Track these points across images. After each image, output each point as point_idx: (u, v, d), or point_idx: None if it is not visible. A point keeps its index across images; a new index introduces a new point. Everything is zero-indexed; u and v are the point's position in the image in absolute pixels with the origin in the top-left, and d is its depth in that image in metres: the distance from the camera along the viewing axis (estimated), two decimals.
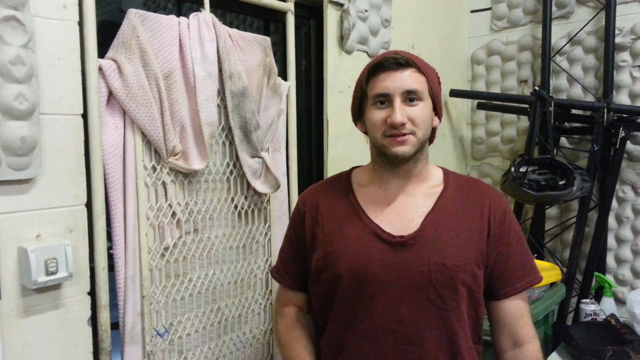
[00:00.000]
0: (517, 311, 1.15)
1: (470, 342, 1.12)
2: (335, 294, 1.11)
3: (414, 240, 1.08)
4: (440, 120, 1.17)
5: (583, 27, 2.34)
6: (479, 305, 1.14)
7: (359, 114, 1.17)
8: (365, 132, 1.18)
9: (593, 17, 2.32)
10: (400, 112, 1.05)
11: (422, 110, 1.08)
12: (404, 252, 1.07)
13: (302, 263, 1.23)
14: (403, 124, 1.06)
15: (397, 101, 1.06)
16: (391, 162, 1.12)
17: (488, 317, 1.19)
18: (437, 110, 1.14)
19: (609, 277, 2.28)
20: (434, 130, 1.17)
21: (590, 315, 2.08)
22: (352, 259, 1.09)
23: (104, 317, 1.29)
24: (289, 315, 1.26)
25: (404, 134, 1.06)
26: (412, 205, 1.13)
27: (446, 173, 1.20)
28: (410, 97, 1.07)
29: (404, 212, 1.12)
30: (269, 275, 1.72)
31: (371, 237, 1.10)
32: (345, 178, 1.23)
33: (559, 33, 2.41)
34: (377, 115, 1.09)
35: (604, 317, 2.05)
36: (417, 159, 1.13)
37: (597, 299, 2.20)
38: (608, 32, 2.22)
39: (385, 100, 1.08)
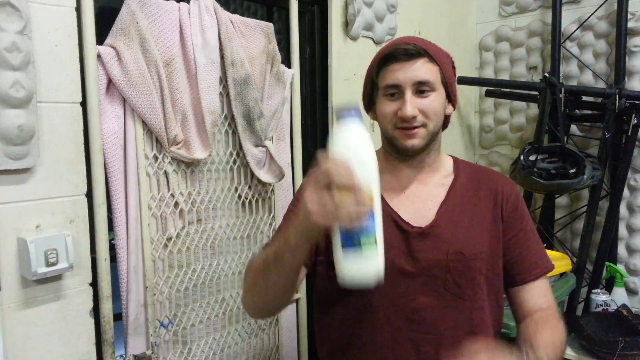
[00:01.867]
0: (536, 293, 1.14)
1: (490, 331, 1.10)
2: (356, 290, 1.07)
3: (431, 230, 1.07)
4: (454, 108, 1.15)
5: (594, 12, 2.28)
6: (499, 294, 1.13)
7: (370, 103, 1.14)
8: (376, 120, 1.15)
9: (604, 2, 2.26)
10: (411, 105, 1.03)
11: (433, 101, 1.06)
12: (422, 241, 1.06)
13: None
14: (414, 117, 1.03)
15: (408, 93, 1.03)
16: (402, 153, 1.11)
17: (508, 301, 1.18)
18: (450, 97, 1.12)
19: (620, 267, 2.24)
20: (447, 117, 1.15)
21: (601, 305, 2.04)
22: None
23: (107, 308, 1.28)
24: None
25: (415, 127, 1.04)
26: (426, 195, 1.12)
27: (456, 162, 1.19)
28: (421, 88, 1.04)
29: (418, 201, 1.11)
30: None
31: (390, 225, 1.08)
32: None
33: (569, 18, 2.35)
34: (387, 107, 1.07)
35: (615, 307, 2.01)
36: (429, 150, 1.11)
37: (608, 289, 2.16)
38: (620, 16, 2.16)
39: (395, 92, 1.05)
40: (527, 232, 1.14)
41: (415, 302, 1.05)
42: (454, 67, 1.14)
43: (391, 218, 1.09)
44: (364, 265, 0.82)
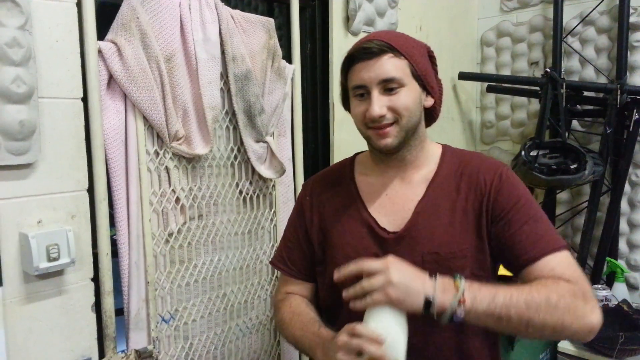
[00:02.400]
0: (549, 268, 1.00)
1: (478, 329, 1.06)
2: (340, 289, 1.07)
3: (407, 232, 1.06)
4: (435, 99, 1.10)
5: (596, 7, 2.28)
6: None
7: (346, 103, 1.13)
8: None
9: None
10: (378, 104, 1.01)
11: (404, 97, 1.02)
12: (398, 245, 1.06)
13: (309, 252, 1.20)
14: (382, 116, 1.01)
15: (375, 92, 1.01)
16: (381, 153, 1.09)
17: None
18: (428, 89, 1.07)
19: (621, 263, 2.24)
20: (431, 109, 1.10)
21: (602, 300, 2.04)
22: (349, 253, 1.07)
23: (108, 303, 1.28)
24: (294, 299, 1.20)
25: (386, 126, 1.02)
26: (408, 194, 1.10)
27: (444, 153, 1.13)
28: (388, 86, 1.01)
29: (400, 201, 1.09)
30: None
31: (367, 232, 1.09)
32: (348, 166, 1.21)
33: (570, 13, 2.35)
34: (357, 108, 1.05)
35: (616, 302, 2.01)
36: (409, 146, 1.08)
37: (609, 284, 2.16)
38: (622, 11, 2.15)
39: (363, 92, 1.04)
40: (519, 212, 1.04)
41: None
42: (431, 57, 1.10)
43: (368, 225, 1.09)
44: None
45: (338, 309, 1.11)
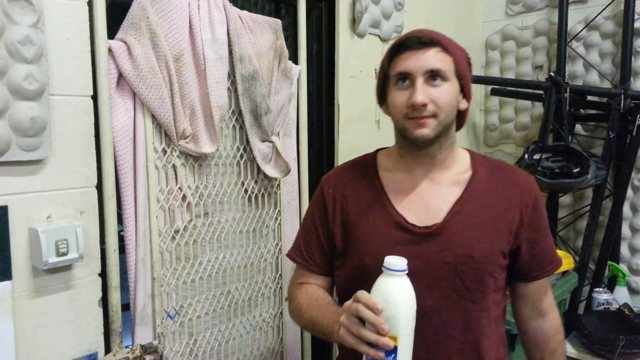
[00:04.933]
0: (541, 289, 1.18)
1: (498, 331, 1.12)
2: (360, 282, 1.07)
3: (441, 231, 1.05)
4: (469, 103, 1.10)
5: (601, 12, 2.29)
6: (504, 294, 1.13)
7: (382, 96, 1.12)
8: (388, 114, 1.13)
9: (611, 2, 2.26)
10: (422, 93, 1.00)
11: (446, 91, 1.02)
12: (430, 243, 1.04)
13: (327, 246, 1.18)
14: (424, 105, 1.00)
15: (420, 81, 1.00)
16: (413, 146, 1.08)
17: (511, 294, 1.20)
18: (465, 92, 1.08)
19: (623, 267, 2.25)
20: (462, 113, 1.11)
21: (603, 304, 2.06)
22: (376, 248, 1.06)
23: (115, 298, 1.30)
24: (311, 287, 1.19)
25: (425, 117, 1.01)
26: (439, 194, 1.09)
27: (473, 157, 1.15)
28: (433, 77, 1.01)
29: (430, 201, 1.08)
30: (279, 259, 1.72)
31: (395, 227, 1.07)
32: (371, 161, 1.18)
33: (575, 18, 2.36)
34: (398, 96, 1.04)
35: (617, 306, 2.02)
36: (441, 144, 1.07)
37: (610, 288, 2.17)
38: (627, 16, 2.16)
39: (407, 79, 1.03)
40: (543, 232, 1.13)
41: (423, 304, 1.01)
42: (469, 63, 1.11)
43: (395, 221, 1.07)
44: None
45: None
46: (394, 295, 0.88)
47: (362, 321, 0.90)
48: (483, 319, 1.07)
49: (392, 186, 1.12)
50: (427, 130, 1.02)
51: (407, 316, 0.88)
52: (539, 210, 1.12)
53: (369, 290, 0.92)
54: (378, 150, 1.22)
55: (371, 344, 0.88)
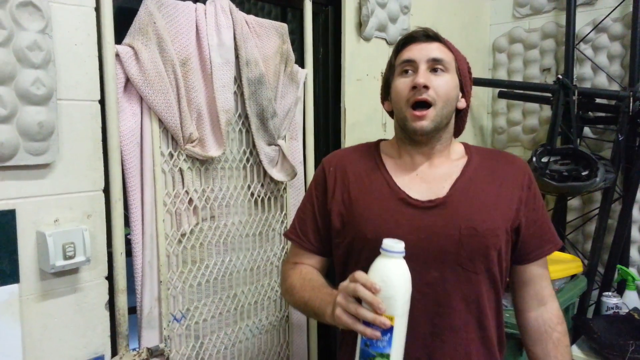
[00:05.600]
0: (542, 273, 1.19)
1: (496, 304, 1.14)
2: (361, 257, 1.10)
3: (444, 204, 1.08)
4: (468, 104, 1.17)
5: (609, 14, 2.28)
6: (505, 271, 1.15)
7: (386, 91, 1.18)
8: (391, 112, 1.18)
9: (620, 4, 2.25)
10: (424, 76, 1.07)
11: (446, 81, 1.09)
12: (434, 215, 1.07)
13: (322, 225, 1.20)
14: (426, 87, 1.06)
15: (422, 67, 1.08)
16: (413, 139, 1.13)
17: (511, 280, 1.21)
18: (464, 91, 1.15)
19: (632, 270, 2.23)
20: (462, 116, 1.17)
21: (612, 308, 2.04)
22: (379, 223, 1.08)
23: (122, 301, 1.30)
24: (305, 267, 1.21)
25: (425, 104, 1.07)
26: (439, 175, 1.13)
27: (467, 146, 1.21)
28: (435, 66, 1.09)
29: (432, 181, 1.13)
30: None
31: (398, 203, 1.10)
32: (373, 147, 1.23)
33: (583, 20, 2.35)
34: (402, 82, 1.10)
35: (627, 310, 2.00)
36: (440, 137, 1.13)
37: (620, 292, 2.15)
38: (636, 18, 2.15)
39: (411, 68, 1.10)
40: (539, 211, 1.16)
41: (428, 276, 1.06)
42: (469, 68, 1.18)
43: (398, 197, 1.10)
44: None
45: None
46: (392, 276, 0.89)
47: (359, 301, 0.91)
48: (486, 293, 1.10)
49: (394, 168, 1.16)
50: (425, 122, 1.07)
51: (404, 297, 0.89)
52: (534, 189, 1.16)
53: (367, 267, 0.93)
54: (380, 140, 1.26)
55: (367, 324, 0.88)
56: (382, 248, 0.90)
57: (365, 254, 1.07)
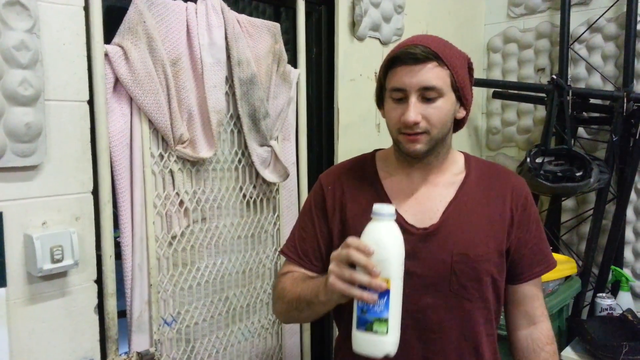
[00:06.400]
0: (533, 293, 1.18)
1: (491, 330, 1.13)
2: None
3: (437, 231, 1.07)
4: (468, 111, 1.11)
5: (603, 14, 2.27)
6: (501, 292, 1.14)
7: (380, 100, 1.13)
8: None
9: (614, 4, 2.25)
10: (415, 111, 1.00)
11: (440, 108, 1.02)
12: (428, 242, 1.06)
13: (324, 244, 1.17)
14: (417, 124, 1.01)
15: (413, 98, 1.01)
16: (408, 156, 1.10)
17: (504, 299, 1.20)
18: (463, 101, 1.08)
19: (627, 271, 2.23)
20: (460, 121, 1.13)
21: (606, 309, 2.03)
22: None
23: (111, 305, 1.29)
24: (297, 273, 1.17)
25: (417, 133, 1.03)
26: (435, 195, 1.11)
27: (467, 159, 1.17)
28: (427, 94, 1.01)
29: (427, 202, 1.10)
30: (278, 265, 1.71)
31: None
32: (369, 162, 1.19)
33: (578, 20, 2.34)
34: (392, 111, 1.05)
35: (621, 311, 2.00)
36: (437, 153, 1.10)
37: (614, 293, 2.15)
38: (629, 18, 2.15)
39: (401, 95, 1.03)
40: (532, 231, 1.14)
41: (420, 302, 1.05)
42: (470, 68, 1.11)
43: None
44: (372, 342, 0.89)
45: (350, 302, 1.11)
46: (385, 238, 0.89)
47: (353, 268, 0.89)
48: (480, 318, 1.09)
49: (391, 188, 1.14)
50: (419, 145, 1.04)
51: (398, 259, 0.89)
52: (529, 210, 1.14)
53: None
54: (376, 151, 1.23)
55: (363, 290, 0.87)
56: (373, 213, 0.90)
57: None
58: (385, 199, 1.12)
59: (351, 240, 0.90)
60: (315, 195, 1.20)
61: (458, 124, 1.14)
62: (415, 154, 1.05)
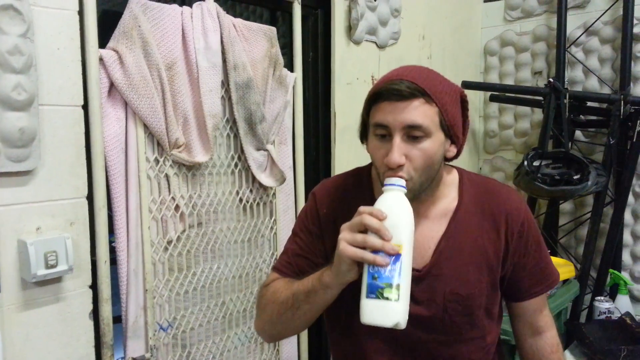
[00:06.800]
0: (536, 307, 1.15)
1: (491, 353, 1.12)
2: (352, 312, 0.98)
3: (429, 272, 1.03)
4: (459, 149, 1.03)
5: (600, 17, 2.28)
6: (497, 316, 1.12)
7: (364, 137, 1.04)
8: None
9: (610, 7, 2.25)
10: (398, 152, 0.92)
11: (425, 150, 0.94)
12: (420, 284, 1.02)
13: (319, 261, 1.10)
14: (400, 166, 0.93)
15: (397, 138, 0.92)
16: None
17: (508, 311, 1.19)
18: (453, 139, 0.99)
19: (625, 274, 2.23)
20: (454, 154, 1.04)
21: (605, 313, 2.03)
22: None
23: (106, 310, 1.28)
24: (284, 279, 1.09)
25: (402, 176, 0.94)
26: (427, 231, 1.05)
27: (461, 181, 1.09)
28: (412, 133, 0.93)
29: (419, 239, 1.03)
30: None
31: None
32: (365, 179, 1.12)
33: (574, 23, 2.35)
34: (376, 150, 0.97)
35: (619, 315, 2.00)
36: (425, 189, 1.01)
37: (612, 296, 2.15)
38: (626, 21, 2.15)
39: (384, 132, 0.95)
40: (531, 254, 1.09)
41: (414, 336, 1.03)
42: (464, 101, 1.02)
43: None
44: (382, 309, 0.87)
45: (340, 320, 1.09)
46: (396, 205, 0.89)
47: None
48: (474, 347, 1.08)
49: None
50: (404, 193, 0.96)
51: (409, 227, 0.89)
52: (527, 235, 1.08)
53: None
54: (371, 165, 1.13)
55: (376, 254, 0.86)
56: (385, 184, 0.91)
57: (356, 312, 0.96)
58: None
59: (363, 208, 0.88)
60: (311, 213, 1.13)
61: (450, 157, 1.06)
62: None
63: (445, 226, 1.05)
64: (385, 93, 0.94)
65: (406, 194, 0.95)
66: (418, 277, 1.02)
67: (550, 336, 1.16)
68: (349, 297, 0.96)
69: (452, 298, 1.03)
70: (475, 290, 1.04)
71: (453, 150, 1.01)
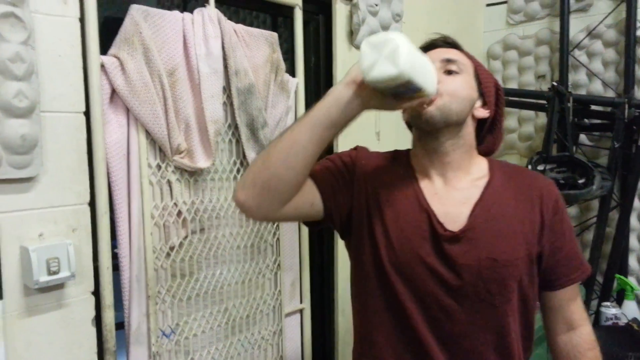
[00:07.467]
0: (570, 297, 1.13)
1: (518, 336, 1.08)
2: (384, 278, 1.05)
3: (464, 234, 1.03)
4: (490, 114, 1.11)
5: (603, 20, 2.27)
6: (531, 300, 1.09)
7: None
8: (409, 123, 1.12)
9: (613, 10, 2.24)
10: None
11: (455, 81, 1.04)
12: (454, 245, 1.03)
13: (332, 192, 1.09)
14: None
15: (436, 65, 1.03)
16: (425, 139, 1.06)
17: (540, 304, 1.16)
18: (485, 100, 1.10)
19: (631, 280, 2.21)
20: (489, 128, 1.12)
21: (611, 319, 2.01)
22: (405, 247, 1.04)
23: (109, 317, 1.28)
24: None
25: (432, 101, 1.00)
26: (458, 197, 1.06)
27: (491, 162, 1.13)
28: (449, 67, 1.05)
29: (449, 203, 1.06)
30: (278, 275, 1.70)
31: (424, 222, 1.04)
32: (404, 153, 1.16)
33: (577, 26, 2.34)
34: None
35: (626, 321, 1.98)
36: (452, 142, 1.05)
37: (619, 302, 2.13)
38: (629, 24, 2.14)
39: None
40: (566, 236, 1.10)
41: (443, 302, 1.02)
42: (497, 85, 1.13)
43: (427, 215, 1.04)
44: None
45: (365, 287, 1.08)
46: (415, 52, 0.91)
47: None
48: (506, 325, 1.05)
49: (425, 189, 1.08)
50: (433, 108, 1.00)
51: (426, 64, 0.95)
52: (561, 214, 1.09)
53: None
54: (409, 150, 1.17)
55: None
56: None
57: (388, 275, 1.05)
58: (418, 187, 1.07)
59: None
60: (350, 157, 1.14)
61: (487, 136, 1.13)
62: (432, 119, 1.01)
63: (479, 194, 1.07)
64: (434, 40, 1.11)
65: (436, 112, 1.01)
66: (453, 237, 1.03)
67: (586, 332, 1.14)
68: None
69: (487, 264, 1.01)
70: (512, 259, 1.03)
71: (482, 111, 1.10)
